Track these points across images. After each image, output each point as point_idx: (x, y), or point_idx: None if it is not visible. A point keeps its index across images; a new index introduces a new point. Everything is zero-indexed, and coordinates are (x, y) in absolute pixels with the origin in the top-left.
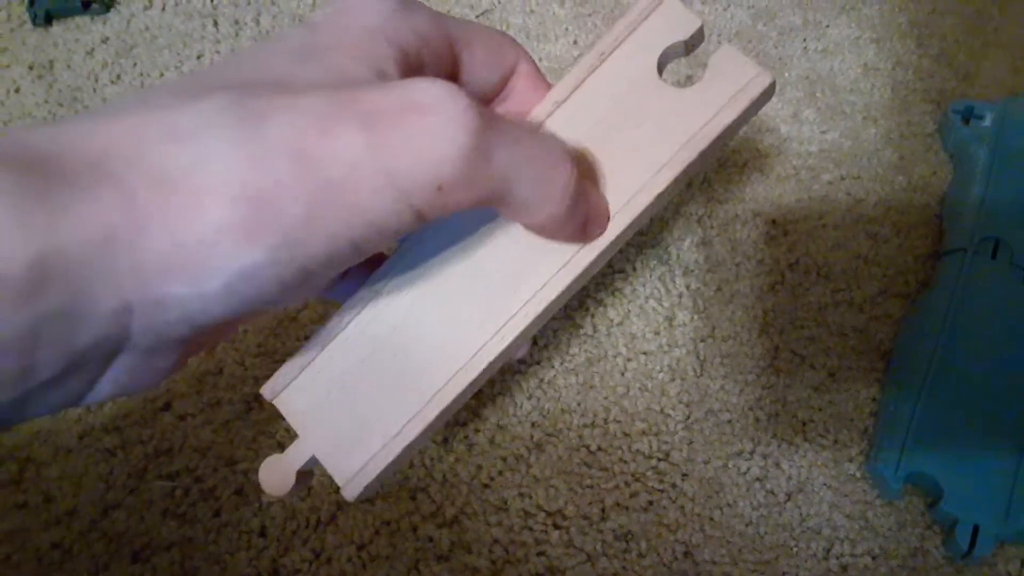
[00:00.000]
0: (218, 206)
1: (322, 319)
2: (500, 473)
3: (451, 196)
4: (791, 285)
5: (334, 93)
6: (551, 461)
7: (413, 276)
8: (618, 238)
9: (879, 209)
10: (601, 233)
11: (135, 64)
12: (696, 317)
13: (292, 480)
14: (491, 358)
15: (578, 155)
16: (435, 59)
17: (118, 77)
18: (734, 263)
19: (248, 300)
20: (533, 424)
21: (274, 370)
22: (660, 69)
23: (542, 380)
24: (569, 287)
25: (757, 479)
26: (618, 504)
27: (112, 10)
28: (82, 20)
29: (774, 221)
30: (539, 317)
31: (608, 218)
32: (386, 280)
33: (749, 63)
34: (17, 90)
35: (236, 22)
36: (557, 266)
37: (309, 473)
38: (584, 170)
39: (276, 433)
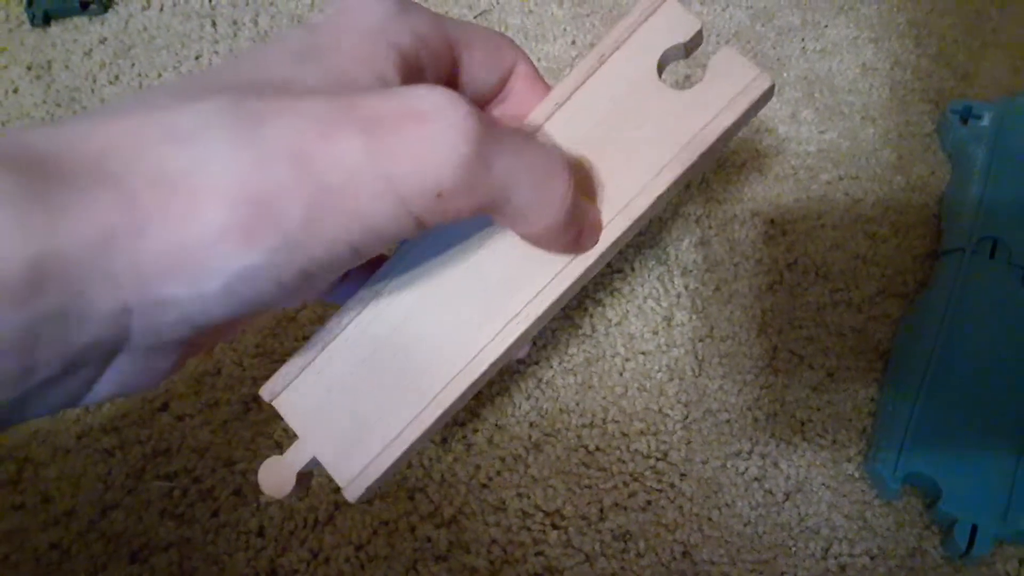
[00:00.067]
0: (217, 207)
1: (321, 320)
2: (498, 473)
3: (451, 203)
4: (789, 285)
5: (334, 97)
6: (549, 461)
7: (413, 277)
8: (619, 240)
9: (877, 209)
10: (594, 245)
11: (133, 64)
12: (694, 317)
13: (292, 482)
14: (492, 359)
15: (574, 165)
16: (434, 60)
17: (116, 77)
18: (732, 263)
19: (247, 301)
20: (531, 424)
21: (272, 371)
22: (660, 71)
23: (540, 380)
24: (570, 288)
25: (755, 479)
26: (616, 504)
27: (110, 11)
28: (80, 20)
29: (772, 221)
30: (540, 318)
31: (601, 229)
32: (386, 281)
33: (749, 65)
34: (15, 90)
35: (234, 23)
36: (558, 267)
37: (309, 474)
38: (578, 180)
39: (274, 434)
